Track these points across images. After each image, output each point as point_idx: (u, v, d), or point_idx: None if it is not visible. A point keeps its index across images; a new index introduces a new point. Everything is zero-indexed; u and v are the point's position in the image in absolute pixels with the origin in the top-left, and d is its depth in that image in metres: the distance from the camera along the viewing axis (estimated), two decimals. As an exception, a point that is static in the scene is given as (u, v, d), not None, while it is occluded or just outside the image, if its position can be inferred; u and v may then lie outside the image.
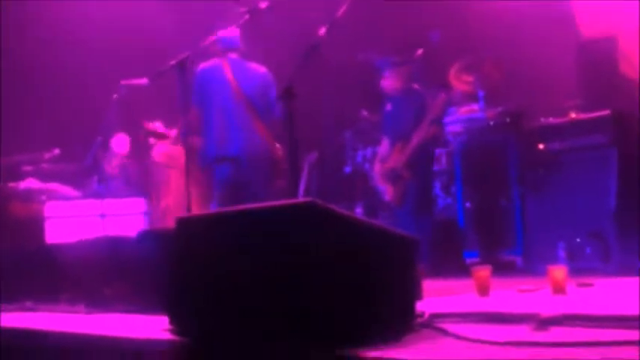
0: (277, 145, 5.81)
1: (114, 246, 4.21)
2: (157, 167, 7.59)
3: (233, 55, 5.83)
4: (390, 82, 6.50)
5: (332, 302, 2.10)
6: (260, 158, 5.75)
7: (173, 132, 6.52)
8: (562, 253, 5.14)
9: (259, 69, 5.95)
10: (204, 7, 7.57)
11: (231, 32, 5.81)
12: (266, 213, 2.46)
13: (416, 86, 6.46)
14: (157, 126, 6.53)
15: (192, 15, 8.01)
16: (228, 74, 5.76)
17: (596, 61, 5.78)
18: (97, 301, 3.93)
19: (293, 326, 2.13)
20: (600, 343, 1.89)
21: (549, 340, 1.99)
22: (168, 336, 2.53)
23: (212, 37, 4.98)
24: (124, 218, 7.19)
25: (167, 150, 7.49)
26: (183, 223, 2.73)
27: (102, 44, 8.36)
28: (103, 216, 6.85)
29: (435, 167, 6.90)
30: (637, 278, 4.30)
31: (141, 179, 8.00)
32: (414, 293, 2.50)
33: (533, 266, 5.38)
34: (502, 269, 5.36)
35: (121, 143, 8.11)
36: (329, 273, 2.11)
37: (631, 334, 1.97)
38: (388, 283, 2.31)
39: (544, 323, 2.26)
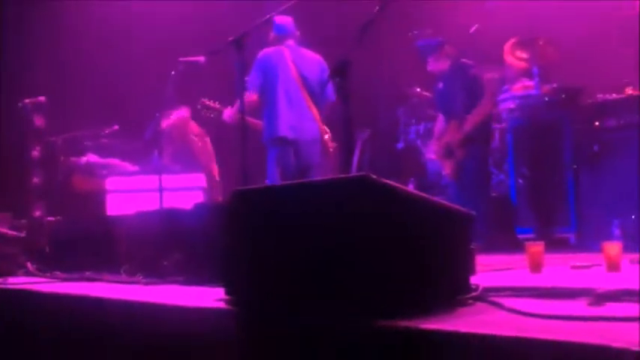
0: (325, 129, 6.08)
1: (170, 218, 4.24)
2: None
3: (290, 42, 5.98)
4: (434, 65, 6.47)
5: (386, 274, 2.09)
6: (315, 141, 6.01)
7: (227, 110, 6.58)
8: (616, 231, 5.05)
9: (314, 56, 6.21)
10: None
11: (286, 20, 5.93)
12: (321, 187, 2.46)
13: (465, 62, 6.37)
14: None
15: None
16: (289, 60, 5.90)
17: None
18: (155, 272, 3.97)
19: (347, 298, 2.12)
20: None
21: (606, 314, 1.94)
22: (223, 305, 2.54)
23: (266, 17, 4.97)
24: (182, 193, 7.25)
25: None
26: (239, 196, 2.73)
27: (160, 22, 8.42)
28: (161, 190, 6.91)
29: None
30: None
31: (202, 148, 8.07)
32: (467, 268, 2.47)
33: (586, 244, 5.30)
34: (555, 246, 5.29)
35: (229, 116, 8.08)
36: (382, 245, 2.09)
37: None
38: (442, 257, 2.28)
39: (599, 298, 2.21)
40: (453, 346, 1.78)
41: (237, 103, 5.61)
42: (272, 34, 6.11)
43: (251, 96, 5.87)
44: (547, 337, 1.65)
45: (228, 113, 6.26)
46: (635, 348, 1.48)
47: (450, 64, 6.39)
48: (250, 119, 5.89)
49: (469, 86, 6.21)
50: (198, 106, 6.47)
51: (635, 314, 1.91)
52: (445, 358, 1.80)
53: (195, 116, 7.99)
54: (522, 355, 1.64)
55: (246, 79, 5.62)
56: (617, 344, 1.52)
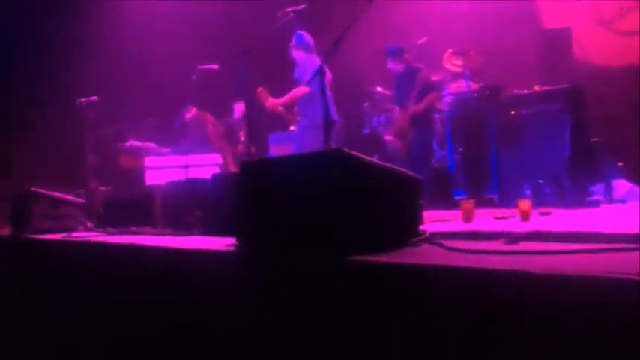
0: None
1: (193, 185, 4.24)
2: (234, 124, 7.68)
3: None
4: (394, 66, 6.49)
5: (355, 222, 2.09)
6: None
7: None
8: (528, 192, 5.08)
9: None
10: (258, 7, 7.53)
11: (307, 38, 5.89)
12: (307, 158, 2.46)
13: (416, 66, 6.40)
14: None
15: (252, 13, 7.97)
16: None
17: (555, 47, 5.65)
18: (181, 226, 3.97)
19: (325, 241, 2.13)
20: (556, 252, 1.87)
21: (520, 249, 1.97)
22: (232, 249, 2.55)
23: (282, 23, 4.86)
24: (203, 169, 7.23)
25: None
26: (247, 166, 2.72)
27: (185, 35, 8.34)
28: (187, 167, 6.88)
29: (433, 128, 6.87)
30: (584, 210, 4.26)
31: (218, 136, 8.04)
32: (417, 218, 2.48)
33: (506, 202, 5.33)
34: (482, 204, 5.31)
35: (240, 110, 7.99)
36: (353, 201, 2.10)
37: (577, 246, 1.94)
38: (399, 209, 2.30)
39: (515, 239, 2.23)
40: (402, 272, 1.80)
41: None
42: (305, 44, 5.99)
43: (301, 89, 5.80)
44: (476, 265, 1.67)
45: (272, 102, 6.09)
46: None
47: (405, 66, 6.40)
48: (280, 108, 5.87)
49: (419, 84, 6.23)
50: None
51: (541, 249, 1.93)
52: (393, 281, 1.81)
53: (212, 110, 7.97)
54: (454, 279, 1.66)
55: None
56: (527, 269, 1.53)
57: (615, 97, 6.17)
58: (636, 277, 1.34)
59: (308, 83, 5.80)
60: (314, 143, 5.59)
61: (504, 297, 1.52)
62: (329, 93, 5.78)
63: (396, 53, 6.43)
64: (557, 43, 5.65)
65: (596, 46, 6.53)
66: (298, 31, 6.02)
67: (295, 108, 6.10)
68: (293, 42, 6.08)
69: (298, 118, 6.10)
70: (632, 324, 1.29)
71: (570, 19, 6.54)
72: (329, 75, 5.51)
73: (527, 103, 5.38)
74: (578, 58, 5.98)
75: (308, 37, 6.04)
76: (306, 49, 6.05)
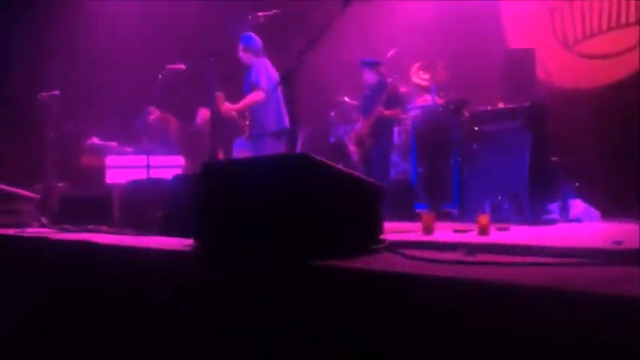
0: None
1: (154, 185, 4.18)
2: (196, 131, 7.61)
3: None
4: (369, 76, 6.54)
5: (317, 227, 2.08)
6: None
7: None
8: (487, 208, 5.14)
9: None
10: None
11: (257, 41, 5.88)
12: (272, 161, 2.44)
13: (387, 79, 6.47)
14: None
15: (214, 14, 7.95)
16: (272, 70, 5.84)
17: (519, 66, 5.74)
18: (141, 226, 3.90)
19: (286, 245, 2.11)
20: (512, 264, 1.89)
21: (476, 260, 1.98)
22: (190, 249, 2.52)
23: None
24: (165, 170, 7.13)
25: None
26: (207, 167, 2.69)
27: (151, 35, 8.25)
28: (149, 167, 6.78)
29: (397, 141, 6.92)
30: (541, 227, 4.34)
31: (180, 138, 7.95)
32: (377, 226, 2.48)
33: (466, 216, 5.38)
34: (443, 217, 5.36)
35: (204, 116, 7.92)
36: (316, 205, 2.09)
37: (533, 259, 1.97)
38: (359, 215, 2.29)
39: (472, 250, 2.25)
40: (357, 277, 1.80)
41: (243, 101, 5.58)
42: (255, 47, 5.96)
43: (260, 95, 5.77)
44: (432, 274, 1.68)
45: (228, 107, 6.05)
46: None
47: (379, 79, 6.47)
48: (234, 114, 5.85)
49: (388, 96, 6.30)
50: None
51: (496, 260, 1.95)
52: (352, 287, 1.81)
53: (175, 113, 7.89)
54: (412, 287, 1.67)
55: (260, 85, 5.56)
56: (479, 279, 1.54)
57: (575, 119, 6.31)
58: (588, 290, 1.37)
59: (270, 91, 5.78)
60: (271, 151, 5.60)
61: (461, 305, 1.53)
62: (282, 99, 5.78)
63: (372, 65, 6.49)
64: (521, 63, 5.75)
65: (558, 67, 6.69)
66: (245, 33, 5.92)
67: (246, 113, 6.04)
68: (242, 44, 5.98)
69: (247, 123, 6.04)
70: (582, 336, 1.31)
71: (535, 40, 6.68)
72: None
73: (491, 120, 5.46)
74: (542, 78, 6.11)
75: (257, 40, 5.97)
76: (256, 52, 5.99)
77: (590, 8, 6.70)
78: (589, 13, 6.70)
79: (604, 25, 6.61)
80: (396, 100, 6.40)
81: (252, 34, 5.94)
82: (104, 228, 4.17)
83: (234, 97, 6.11)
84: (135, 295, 2.56)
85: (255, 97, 5.77)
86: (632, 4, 6.35)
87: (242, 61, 6.03)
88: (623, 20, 6.43)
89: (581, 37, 6.78)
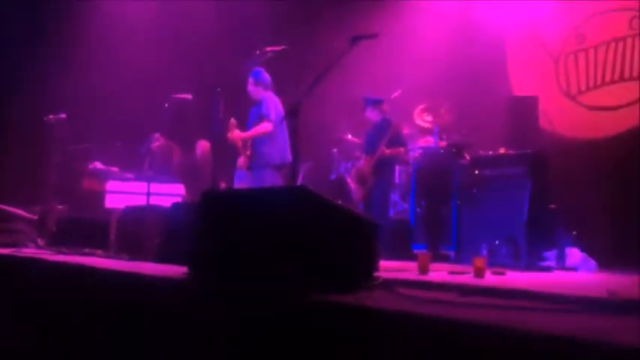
0: None
1: (152, 212, 4.18)
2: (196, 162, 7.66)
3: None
4: (371, 115, 6.57)
5: (312, 262, 2.08)
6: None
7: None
8: (484, 251, 5.12)
9: None
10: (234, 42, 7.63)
11: (267, 76, 5.97)
12: (270, 192, 2.46)
13: (391, 118, 6.51)
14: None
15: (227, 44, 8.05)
16: (279, 104, 5.89)
17: (522, 113, 5.79)
18: (137, 252, 3.90)
19: (283, 278, 2.11)
20: (502, 307, 1.89)
21: (470, 303, 1.98)
22: (184, 278, 2.51)
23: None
24: (165, 198, 7.13)
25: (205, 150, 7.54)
26: (207, 196, 2.70)
27: (159, 63, 8.33)
28: (149, 194, 6.77)
29: (397, 180, 6.93)
30: (537, 273, 4.32)
31: (182, 167, 7.97)
32: (373, 263, 2.48)
33: (462, 259, 5.35)
34: (439, 259, 5.34)
35: (203, 148, 7.97)
36: (313, 239, 2.10)
37: (525, 304, 1.97)
38: (355, 251, 2.29)
39: (467, 292, 2.24)
40: (352, 313, 1.79)
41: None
42: (265, 81, 6.06)
43: (269, 127, 5.83)
44: (425, 312, 1.67)
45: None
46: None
47: (382, 117, 6.51)
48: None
49: (391, 135, 6.33)
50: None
51: (489, 302, 1.95)
52: (346, 323, 1.80)
53: (179, 142, 7.94)
54: (404, 323, 1.66)
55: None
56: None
57: (576, 168, 6.33)
58: (579, 337, 1.36)
59: (271, 119, 5.81)
60: (271, 184, 5.61)
61: (452, 345, 1.52)
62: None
63: (375, 103, 6.54)
64: (524, 110, 5.80)
65: (561, 116, 6.74)
66: (256, 68, 6.02)
67: (248, 144, 6.08)
68: (251, 79, 6.07)
69: (248, 154, 6.07)
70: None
71: (539, 88, 6.75)
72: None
73: (492, 165, 5.47)
74: (544, 126, 6.16)
75: (266, 75, 6.07)
76: (265, 86, 6.07)
77: (594, 60, 6.79)
78: (593, 65, 6.79)
79: (607, 78, 6.69)
80: (398, 140, 6.44)
81: (262, 70, 6.03)
82: (99, 252, 4.17)
83: (239, 125, 6.18)
84: (125, 319, 2.54)
85: (263, 128, 5.83)
86: (637, 58, 6.44)
87: (251, 95, 6.10)
88: (626, 74, 6.51)
89: (585, 88, 6.85)
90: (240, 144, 6.02)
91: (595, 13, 6.82)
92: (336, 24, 7.76)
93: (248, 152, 6.05)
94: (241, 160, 6.18)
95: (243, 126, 6.13)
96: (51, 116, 7.08)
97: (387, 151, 6.32)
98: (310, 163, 7.84)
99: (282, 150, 5.92)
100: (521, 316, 1.76)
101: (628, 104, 6.41)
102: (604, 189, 6.16)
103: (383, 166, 6.37)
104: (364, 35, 4.01)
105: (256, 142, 6.01)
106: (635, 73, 6.47)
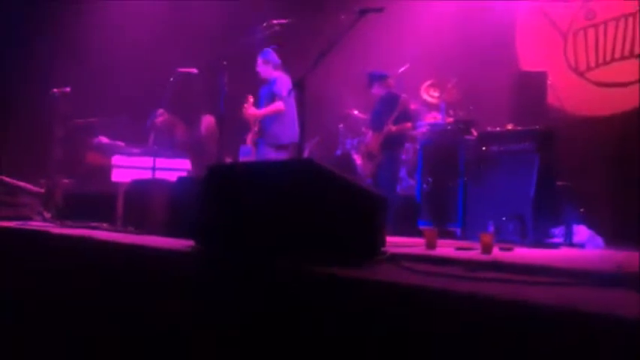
0: None
1: (158, 186, 4.18)
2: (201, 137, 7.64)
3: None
4: (376, 90, 6.54)
5: (321, 232, 2.08)
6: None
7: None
8: (491, 228, 5.10)
9: None
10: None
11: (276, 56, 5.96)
12: (278, 165, 2.44)
13: (398, 93, 6.47)
14: None
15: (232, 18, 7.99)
16: (290, 84, 5.89)
17: (530, 89, 5.73)
18: (143, 226, 3.91)
19: (290, 250, 2.11)
20: (510, 281, 1.88)
21: (477, 276, 1.97)
22: (190, 250, 2.51)
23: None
24: (170, 172, 7.13)
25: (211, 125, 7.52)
26: (213, 169, 2.69)
27: (164, 37, 8.29)
28: (155, 169, 6.77)
29: (404, 156, 6.90)
30: (545, 250, 4.31)
31: (187, 142, 7.96)
32: (380, 237, 2.47)
33: (469, 236, 5.35)
34: (446, 236, 5.34)
35: (208, 123, 7.95)
36: (320, 211, 2.09)
37: (533, 278, 1.96)
38: (362, 224, 2.28)
39: (474, 267, 2.24)
40: (361, 287, 1.79)
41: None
42: (274, 61, 6.09)
43: (281, 106, 5.86)
44: (432, 285, 1.67)
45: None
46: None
47: (387, 92, 6.47)
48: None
49: (398, 111, 6.30)
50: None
51: (496, 276, 1.94)
52: (354, 295, 1.80)
53: (183, 117, 7.92)
54: (410, 296, 1.65)
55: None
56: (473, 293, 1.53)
57: (584, 145, 6.29)
58: (586, 310, 1.36)
59: (284, 98, 5.82)
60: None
61: (462, 319, 1.52)
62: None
63: (381, 78, 6.50)
64: (532, 86, 5.74)
65: (569, 93, 6.68)
66: (265, 48, 6.07)
67: (257, 120, 6.12)
68: (261, 58, 6.13)
69: (256, 129, 6.10)
70: (580, 354, 1.30)
71: (547, 64, 6.68)
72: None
73: (499, 141, 5.43)
74: (552, 103, 6.10)
75: (274, 54, 6.12)
76: (275, 65, 6.10)
77: (604, 37, 6.71)
78: (602, 42, 6.71)
79: (617, 54, 6.61)
80: (406, 116, 6.40)
81: (271, 50, 6.09)
82: (105, 225, 4.18)
83: (243, 100, 6.18)
84: (132, 292, 2.55)
85: (277, 106, 5.88)
86: (646, 35, 6.37)
87: (260, 74, 6.15)
88: (636, 50, 6.44)
89: (594, 64, 6.78)
90: (252, 120, 6.06)
91: (605, -12, 6.72)
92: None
93: (256, 128, 6.07)
94: (249, 136, 6.20)
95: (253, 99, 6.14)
96: (55, 90, 7.06)
97: (394, 128, 6.29)
98: (316, 139, 7.81)
99: (291, 130, 5.94)
100: (529, 290, 1.75)
101: (637, 81, 6.34)
102: (611, 166, 6.12)
103: (391, 142, 6.35)
104: (371, 9, 3.97)
105: (267, 121, 6.05)
106: (645, 50, 6.40)
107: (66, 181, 6.41)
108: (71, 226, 4.25)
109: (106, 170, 7.52)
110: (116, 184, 6.53)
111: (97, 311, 2.76)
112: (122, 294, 2.63)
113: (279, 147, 5.99)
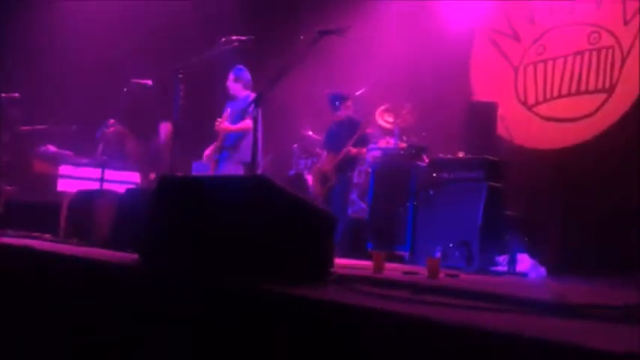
0: None
1: (105, 197, 4.09)
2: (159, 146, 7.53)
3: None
4: (339, 111, 6.60)
5: (267, 251, 2.06)
6: None
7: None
8: (438, 254, 5.18)
9: None
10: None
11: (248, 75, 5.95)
12: (229, 180, 2.42)
13: (356, 116, 6.55)
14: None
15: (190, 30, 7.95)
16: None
17: (481, 119, 5.86)
18: (86, 238, 3.81)
19: (237, 267, 2.08)
20: (454, 306, 1.90)
21: (422, 299, 1.98)
22: (133, 264, 2.45)
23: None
24: (118, 185, 6.99)
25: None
26: (165, 181, 2.65)
27: (120, 47, 8.17)
28: (102, 180, 6.64)
29: (356, 179, 6.94)
30: (490, 277, 4.39)
31: (137, 155, 7.82)
32: (329, 257, 2.46)
33: (417, 260, 5.41)
34: (394, 260, 5.37)
35: (167, 130, 7.80)
36: (270, 228, 2.07)
37: (476, 304, 1.98)
38: (311, 243, 2.27)
39: (419, 290, 2.25)
40: (307, 306, 1.77)
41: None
42: (246, 79, 6.07)
43: (250, 124, 5.80)
44: (378, 306, 1.67)
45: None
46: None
47: (346, 115, 6.53)
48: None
49: (355, 134, 6.36)
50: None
51: (440, 301, 1.96)
52: (299, 315, 1.78)
53: (135, 128, 7.78)
54: (356, 316, 1.65)
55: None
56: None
57: (531, 176, 6.45)
58: (527, 335, 1.38)
59: (244, 113, 5.80)
60: None
61: (405, 341, 1.52)
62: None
63: (341, 99, 6.55)
64: (482, 116, 5.87)
65: (518, 125, 6.85)
66: (238, 65, 6.07)
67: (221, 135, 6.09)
68: (233, 75, 6.10)
69: (218, 144, 6.08)
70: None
71: (498, 96, 6.85)
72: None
73: (449, 168, 5.54)
74: (501, 133, 6.24)
75: (247, 73, 6.12)
76: (245, 83, 6.10)
77: (552, 73, 6.92)
78: (551, 78, 6.92)
79: (564, 91, 6.83)
80: (364, 140, 6.45)
81: (244, 68, 6.08)
82: (48, 236, 4.05)
83: (198, 114, 6.13)
84: (71, 305, 2.47)
85: (247, 124, 5.83)
86: (593, 73, 6.59)
87: (230, 90, 6.14)
88: (582, 87, 6.66)
89: (542, 99, 6.98)
90: (222, 134, 6.05)
91: (556, 25, 6.95)
92: (303, 18, 7.74)
93: (219, 143, 6.06)
94: (207, 151, 6.15)
95: (208, 113, 6.09)
96: (3, 95, 6.87)
97: (353, 151, 6.33)
98: (270, 157, 7.79)
99: (253, 149, 5.92)
100: (471, 314, 1.77)
101: (583, 117, 6.56)
102: (557, 198, 6.29)
103: (345, 165, 6.40)
104: (331, 30, 4.01)
105: (233, 137, 6.02)
106: (591, 87, 6.62)
107: (9, 188, 6.20)
108: (11, 235, 4.10)
109: (52, 179, 7.33)
110: (61, 193, 6.36)
111: (34, 324, 2.66)
112: (60, 307, 2.54)
113: (242, 164, 5.97)
